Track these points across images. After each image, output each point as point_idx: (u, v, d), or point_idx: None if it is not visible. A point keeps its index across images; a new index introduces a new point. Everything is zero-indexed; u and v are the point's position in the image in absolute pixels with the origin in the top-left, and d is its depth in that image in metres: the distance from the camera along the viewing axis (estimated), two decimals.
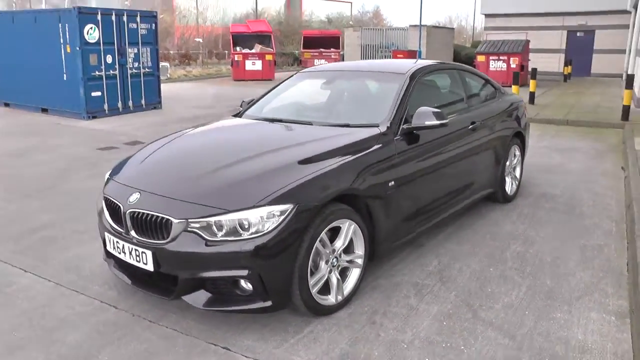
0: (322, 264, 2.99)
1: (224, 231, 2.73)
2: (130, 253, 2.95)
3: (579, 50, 24.70)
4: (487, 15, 28.16)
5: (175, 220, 2.78)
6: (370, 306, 3.23)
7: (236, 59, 21.06)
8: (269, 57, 21.47)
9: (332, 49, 23.78)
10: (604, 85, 19.11)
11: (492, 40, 22.11)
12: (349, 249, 3.18)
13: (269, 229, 2.70)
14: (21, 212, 5.12)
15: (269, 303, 2.78)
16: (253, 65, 21.22)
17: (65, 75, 10.99)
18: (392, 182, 3.41)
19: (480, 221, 4.78)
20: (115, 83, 11.49)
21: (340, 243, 3.08)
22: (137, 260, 2.93)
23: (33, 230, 4.62)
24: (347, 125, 3.70)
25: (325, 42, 24.10)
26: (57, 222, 4.82)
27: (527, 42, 21.06)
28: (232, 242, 2.70)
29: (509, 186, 5.25)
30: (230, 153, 3.35)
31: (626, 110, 9.59)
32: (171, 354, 2.75)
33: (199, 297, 2.83)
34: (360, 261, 3.25)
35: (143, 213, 2.90)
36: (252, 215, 2.70)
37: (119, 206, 3.05)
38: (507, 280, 3.59)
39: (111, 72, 11.34)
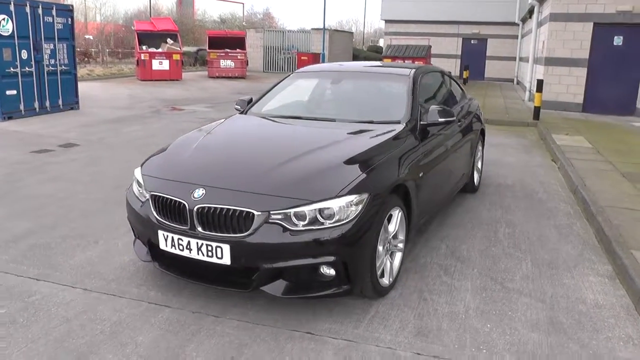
0: (381, 249, 3.23)
1: (306, 221, 2.87)
2: (200, 249, 2.96)
3: (474, 56, 27.10)
4: (387, 21, 29.74)
5: (257, 213, 2.86)
6: (413, 286, 3.54)
7: (142, 58, 20.17)
8: (176, 57, 20.85)
9: (237, 50, 23.64)
10: (499, 89, 21.20)
11: (397, 44, 23.50)
12: (394, 235, 3.45)
13: (351, 217, 2.90)
14: None
15: (346, 287, 2.97)
16: (160, 65, 20.47)
17: None
18: (422, 173, 3.75)
19: (459, 209, 5.29)
20: (32, 81, 10.59)
21: (392, 229, 3.35)
22: (208, 256, 2.95)
23: (16, 238, 4.29)
24: (371, 122, 3.98)
25: (230, 42, 23.84)
26: (37, 229, 4.50)
27: (430, 47, 22.71)
28: (315, 230, 2.85)
29: (476, 178, 5.86)
30: (284, 148, 3.47)
31: (537, 110, 10.91)
32: (261, 343, 2.83)
33: (278, 287, 2.94)
34: (402, 245, 3.54)
35: (215, 208, 2.93)
36: (336, 205, 2.88)
37: (181, 203, 3.03)
38: (512, 257, 4.10)
39: (27, 69, 10.44)
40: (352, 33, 37.65)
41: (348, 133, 3.75)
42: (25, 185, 5.86)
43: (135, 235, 3.61)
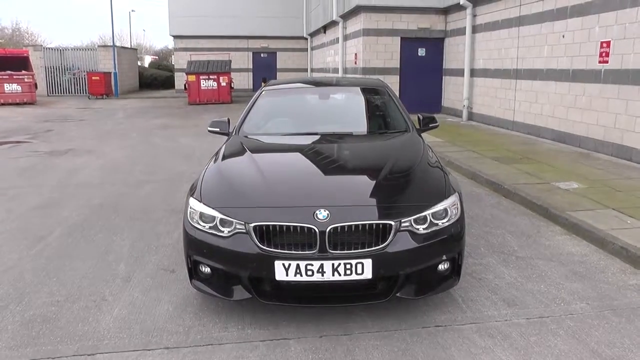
0: None
1: (426, 224, 3.15)
2: (336, 269, 2.97)
3: (265, 68, 28.41)
4: (176, 37, 29.18)
5: (393, 223, 3.03)
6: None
7: None
8: None
9: (23, 72, 20.60)
10: None
11: (199, 60, 23.39)
12: None
13: (456, 214, 3.28)
14: None
15: (456, 279, 3.34)
16: None
17: None
18: None
19: None
20: None
21: None
22: (346, 274, 2.98)
23: None
24: (385, 132, 4.37)
25: (12, 63, 20.63)
26: (9, 304, 3.65)
27: (230, 61, 23.26)
28: (436, 232, 3.16)
29: None
30: (360, 161, 3.71)
31: None
32: (419, 344, 3.01)
33: (409, 290, 3.16)
34: None
35: (350, 226, 2.99)
36: (447, 205, 3.24)
37: (306, 227, 2.99)
38: (493, 234, 4.93)
39: None
40: (137, 49, 35.74)
41: (394, 144, 4.12)
42: None
43: (200, 277, 3.33)
